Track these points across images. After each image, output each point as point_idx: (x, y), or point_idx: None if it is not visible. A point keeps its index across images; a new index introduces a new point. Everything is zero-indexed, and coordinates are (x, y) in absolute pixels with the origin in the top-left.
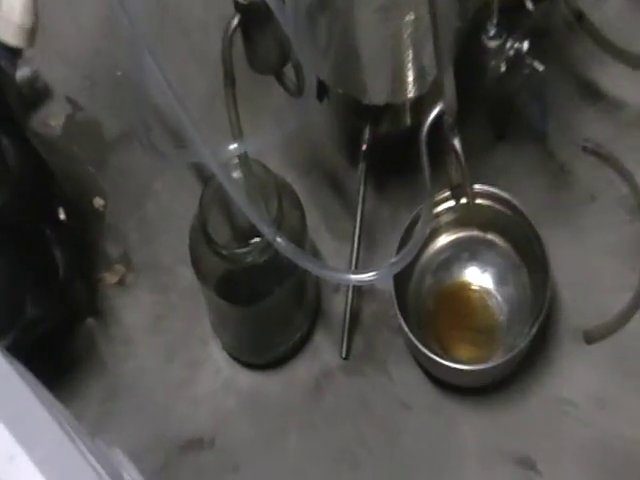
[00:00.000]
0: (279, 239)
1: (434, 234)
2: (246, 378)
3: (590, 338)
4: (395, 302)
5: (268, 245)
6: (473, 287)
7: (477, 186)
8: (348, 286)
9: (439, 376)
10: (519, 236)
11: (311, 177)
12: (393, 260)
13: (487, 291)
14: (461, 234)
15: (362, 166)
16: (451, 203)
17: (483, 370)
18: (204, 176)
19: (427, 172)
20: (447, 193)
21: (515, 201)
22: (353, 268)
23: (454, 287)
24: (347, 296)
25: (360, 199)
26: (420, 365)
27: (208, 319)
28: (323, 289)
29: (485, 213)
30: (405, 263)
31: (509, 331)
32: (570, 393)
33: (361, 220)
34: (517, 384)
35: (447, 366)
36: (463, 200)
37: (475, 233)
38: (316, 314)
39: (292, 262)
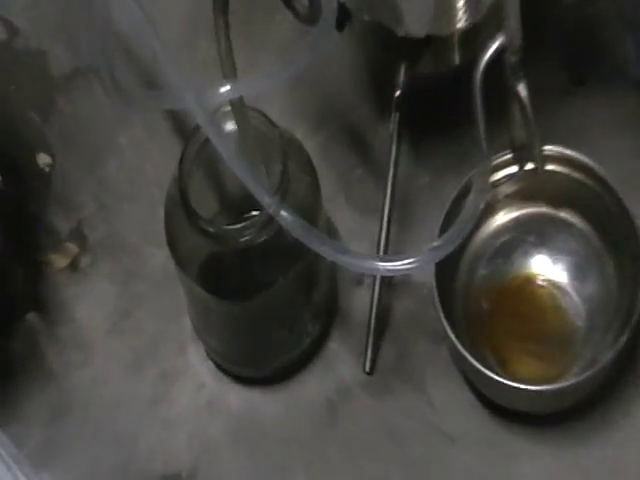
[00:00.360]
0: (283, 213)
1: (490, 210)
2: (237, 397)
3: None
4: (437, 300)
5: (268, 221)
6: (541, 282)
7: (548, 147)
8: (375, 277)
9: (494, 399)
10: (603, 214)
11: (327, 132)
12: (435, 244)
13: (559, 287)
14: (526, 211)
15: (395, 118)
16: (513, 169)
17: (553, 392)
18: (185, 128)
19: (482, 128)
20: (508, 156)
21: (598, 168)
22: (381, 253)
23: (515, 282)
24: (373, 291)
25: (391, 161)
26: (469, 384)
27: (188, 317)
28: (341, 281)
29: (558, 183)
30: (451, 248)
31: (588, 341)
32: None
33: (392, 189)
34: (598, 412)
35: (505, 386)
36: (529, 166)
37: (544, 210)
38: (331, 314)
39: (300, 244)
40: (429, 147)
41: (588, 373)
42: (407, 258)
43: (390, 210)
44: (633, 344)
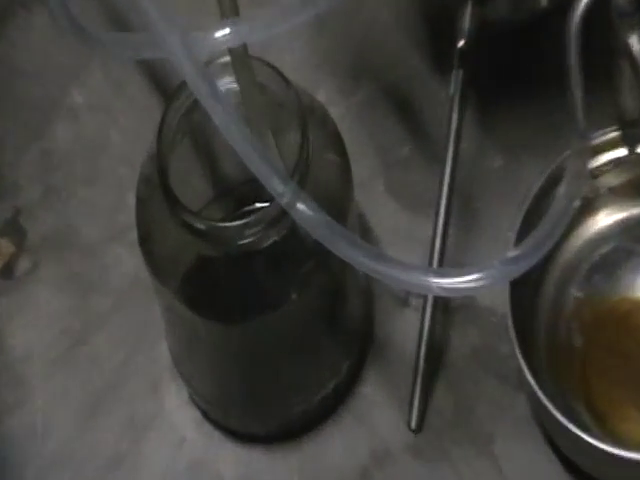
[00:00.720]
0: (300, 205)
1: (588, 209)
2: (232, 459)
3: None
4: (512, 331)
5: (280, 216)
6: None
7: None
8: (425, 298)
9: (589, 470)
10: None
11: (362, 94)
12: (510, 254)
13: None
14: (635, 211)
15: (457, 77)
16: (620, 152)
17: None
18: (165, 86)
19: (578, 94)
20: (614, 134)
21: None
22: (435, 264)
23: (621, 308)
24: (423, 316)
25: (451, 137)
26: (553, 447)
27: (165, 345)
28: (379, 301)
29: None
30: (533, 261)
31: None
32: None
33: (452, 175)
34: None
35: (608, 454)
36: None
37: None
38: (365, 347)
39: (322, 249)
40: (503, 118)
41: None
42: (471, 273)
43: (448, 204)
44: None
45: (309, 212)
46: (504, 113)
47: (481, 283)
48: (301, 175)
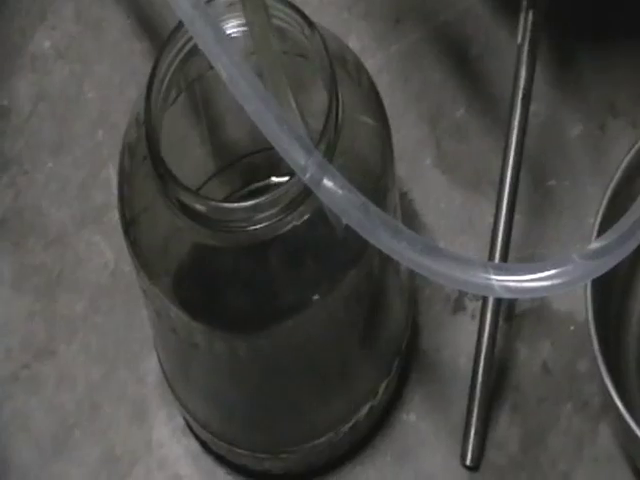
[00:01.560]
0: (328, 182)
1: None
2: None
3: None
4: (596, 343)
5: (301, 195)
6: None
7: None
8: (484, 300)
9: None
10: None
11: (406, 41)
12: (593, 246)
13: None
14: None
15: (526, 21)
16: None
17: None
18: (156, 28)
19: None
20: None
21: None
22: (497, 259)
23: None
24: (482, 324)
25: (518, 97)
26: None
27: (154, 361)
28: (425, 305)
29: None
30: (623, 253)
31: None
32: None
33: (519, 146)
34: None
35: None
36: None
37: None
38: (406, 362)
39: (355, 238)
40: (585, 74)
41: None
42: (543, 269)
43: (514, 183)
44: None
45: (338, 190)
46: (586, 69)
47: (556, 282)
48: (329, 144)
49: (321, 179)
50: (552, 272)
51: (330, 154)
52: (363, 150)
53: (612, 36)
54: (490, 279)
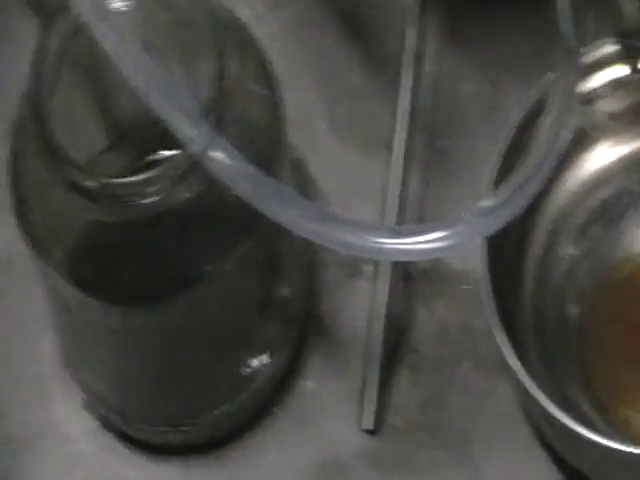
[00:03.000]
0: (218, 153)
1: (583, 143)
2: (142, 477)
3: None
4: (491, 302)
5: (192, 167)
6: None
7: None
8: (379, 265)
9: (592, 473)
10: None
11: (297, 7)
12: (486, 203)
13: None
14: None
15: None
16: (621, 71)
17: None
18: (44, 2)
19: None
20: (611, 48)
21: None
22: (393, 222)
23: (627, 268)
24: (377, 287)
25: (409, 57)
26: (547, 448)
27: (50, 338)
28: (322, 272)
29: None
30: (514, 210)
31: None
32: None
33: (412, 105)
34: None
35: (615, 452)
36: None
37: None
38: (305, 329)
39: (248, 209)
40: (476, 33)
41: None
42: (435, 230)
43: (408, 144)
44: None
45: (228, 161)
46: (477, 27)
47: (448, 242)
48: (217, 114)
49: (209, 150)
50: (444, 232)
51: (219, 125)
52: (254, 119)
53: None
54: (385, 242)
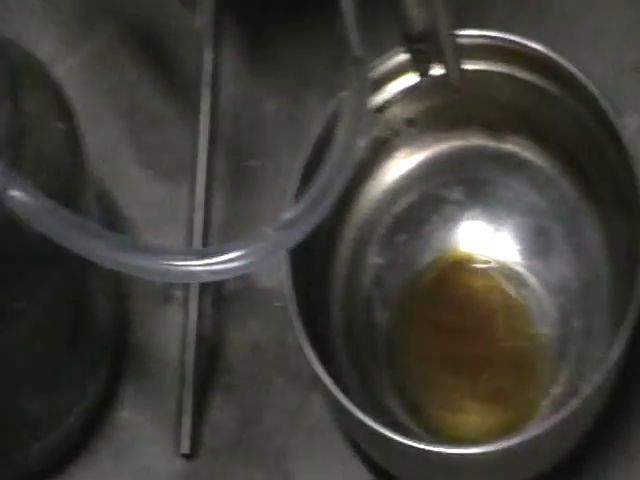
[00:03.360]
0: (14, 190)
1: (383, 151)
2: None
3: None
4: (296, 316)
5: None
6: (478, 266)
7: (471, 33)
8: (188, 287)
9: (408, 477)
10: (580, 146)
11: (97, 41)
12: (287, 216)
13: (511, 273)
14: (444, 146)
15: (205, 3)
16: (413, 78)
17: (508, 453)
18: None
19: (348, 5)
20: (401, 56)
21: (575, 69)
22: (198, 243)
23: (433, 271)
24: (187, 311)
25: (206, 80)
26: (364, 457)
27: None
28: (134, 300)
29: (497, 94)
30: (312, 222)
31: (564, 357)
32: None
33: (212, 128)
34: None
35: (425, 454)
36: (437, 69)
37: (476, 141)
38: (118, 359)
39: (49, 242)
40: (275, 51)
41: (565, 412)
42: (237, 248)
43: (209, 168)
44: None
45: (25, 198)
46: (277, 42)
47: (250, 260)
48: (14, 151)
49: (6, 187)
50: (245, 250)
51: (16, 162)
52: (54, 154)
53: (302, 5)
54: (190, 265)
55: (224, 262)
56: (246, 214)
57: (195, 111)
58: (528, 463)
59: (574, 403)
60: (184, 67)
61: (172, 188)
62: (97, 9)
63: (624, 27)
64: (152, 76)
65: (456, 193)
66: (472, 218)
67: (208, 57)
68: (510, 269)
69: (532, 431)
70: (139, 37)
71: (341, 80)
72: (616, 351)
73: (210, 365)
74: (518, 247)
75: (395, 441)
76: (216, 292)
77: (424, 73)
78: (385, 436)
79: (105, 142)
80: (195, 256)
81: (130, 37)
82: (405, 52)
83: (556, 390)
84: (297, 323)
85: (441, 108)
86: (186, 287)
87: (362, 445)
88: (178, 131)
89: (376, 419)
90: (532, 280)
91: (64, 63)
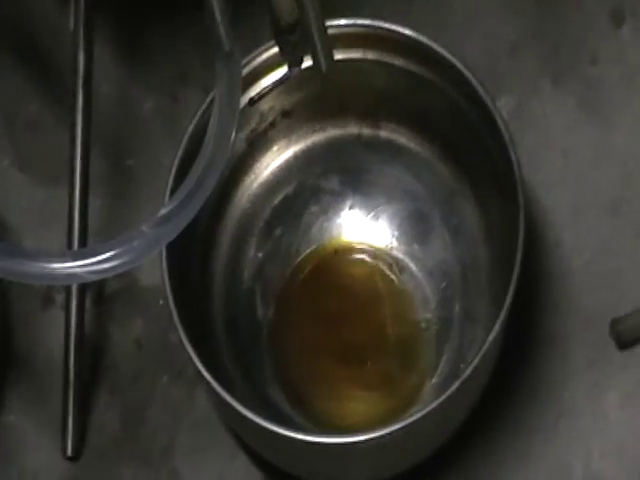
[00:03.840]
0: None
1: (259, 143)
2: None
3: (622, 337)
4: (175, 313)
5: None
6: (358, 255)
7: (341, 22)
8: (68, 289)
9: (293, 470)
10: (456, 131)
11: None
12: (161, 212)
13: (391, 258)
14: (319, 137)
15: (77, 5)
16: (282, 70)
17: (390, 440)
18: None
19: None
20: (272, 49)
21: (448, 54)
22: (76, 245)
23: (311, 261)
24: (68, 313)
25: (79, 81)
26: (250, 452)
27: None
28: (14, 303)
29: (371, 81)
30: (186, 217)
31: (445, 339)
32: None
33: (85, 129)
34: (479, 452)
35: (307, 444)
36: (308, 61)
37: (351, 130)
38: (1, 365)
39: None
40: (149, 48)
41: (448, 393)
42: (112, 247)
43: (85, 169)
44: (521, 334)
45: None
46: (152, 44)
47: (126, 258)
48: None
49: None
50: (121, 249)
51: None
52: None
53: (177, 2)
54: (66, 267)
55: (101, 262)
56: (126, 213)
57: (72, 113)
58: (413, 447)
59: (454, 387)
60: (61, 68)
61: (51, 192)
62: None
63: (497, 6)
64: (28, 79)
65: (333, 182)
66: (351, 207)
67: (81, 57)
68: (390, 255)
69: (413, 417)
70: (14, 39)
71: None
72: (495, 334)
73: (93, 365)
74: (396, 233)
75: (275, 433)
76: (97, 293)
77: (295, 64)
78: (266, 429)
79: None
80: (73, 258)
81: (5, 40)
82: (275, 44)
83: (439, 374)
84: (176, 319)
85: (315, 98)
86: (67, 289)
87: (246, 439)
88: (56, 134)
89: (260, 413)
90: (412, 265)
91: None
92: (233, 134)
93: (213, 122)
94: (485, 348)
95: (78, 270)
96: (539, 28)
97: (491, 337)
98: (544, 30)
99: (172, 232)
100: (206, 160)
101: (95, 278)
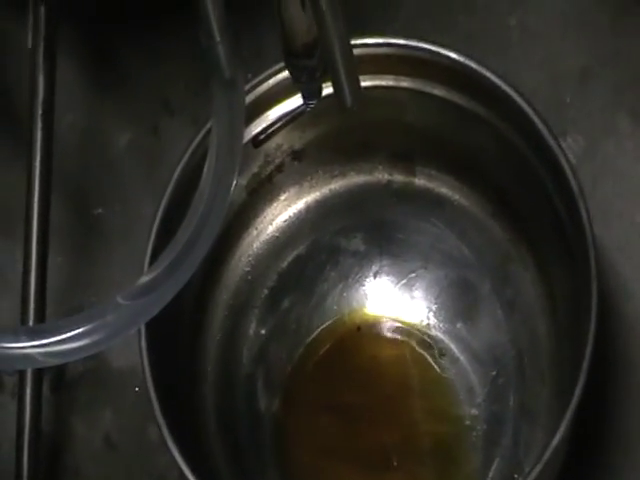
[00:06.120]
0: None
1: (263, 192)
2: None
3: None
4: (157, 407)
5: None
6: (384, 332)
7: (371, 40)
8: (22, 373)
9: None
10: (508, 174)
11: None
12: (143, 279)
13: (426, 336)
14: (340, 184)
15: (37, 19)
16: (295, 102)
17: None
18: None
19: (212, 14)
20: (281, 75)
21: (509, 88)
22: (33, 315)
23: (324, 342)
24: (22, 402)
25: (38, 109)
26: None
27: None
28: None
29: (404, 115)
30: (174, 287)
31: (494, 443)
32: None
33: (45, 168)
34: None
35: None
36: (328, 89)
37: (379, 176)
38: None
39: None
40: (132, 69)
41: None
42: (81, 323)
43: (44, 218)
44: (587, 429)
45: None
46: (127, 65)
47: (96, 337)
48: None
49: None
50: (91, 325)
51: None
52: None
53: (158, 25)
54: (20, 347)
55: (64, 341)
56: (93, 275)
57: (28, 148)
58: None
59: None
60: (16, 94)
61: (3, 245)
62: None
63: (563, 25)
64: None
65: (356, 241)
66: (377, 273)
67: (41, 80)
68: (426, 334)
69: None
70: None
71: (209, 106)
72: (559, 437)
73: (52, 466)
74: (435, 307)
75: None
76: (57, 377)
77: (312, 96)
78: None
79: None
80: (28, 336)
81: None
82: (287, 69)
83: None
84: (157, 412)
85: (334, 136)
86: (20, 372)
87: None
88: (9, 173)
89: None
90: (454, 348)
91: None
92: (234, 182)
93: (209, 166)
94: (547, 456)
95: (34, 351)
96: (614, 53)
97: (555, 442)
98: (620, 56)
99: (155, 305)
100: (200, 214)
101: (56, 362)
